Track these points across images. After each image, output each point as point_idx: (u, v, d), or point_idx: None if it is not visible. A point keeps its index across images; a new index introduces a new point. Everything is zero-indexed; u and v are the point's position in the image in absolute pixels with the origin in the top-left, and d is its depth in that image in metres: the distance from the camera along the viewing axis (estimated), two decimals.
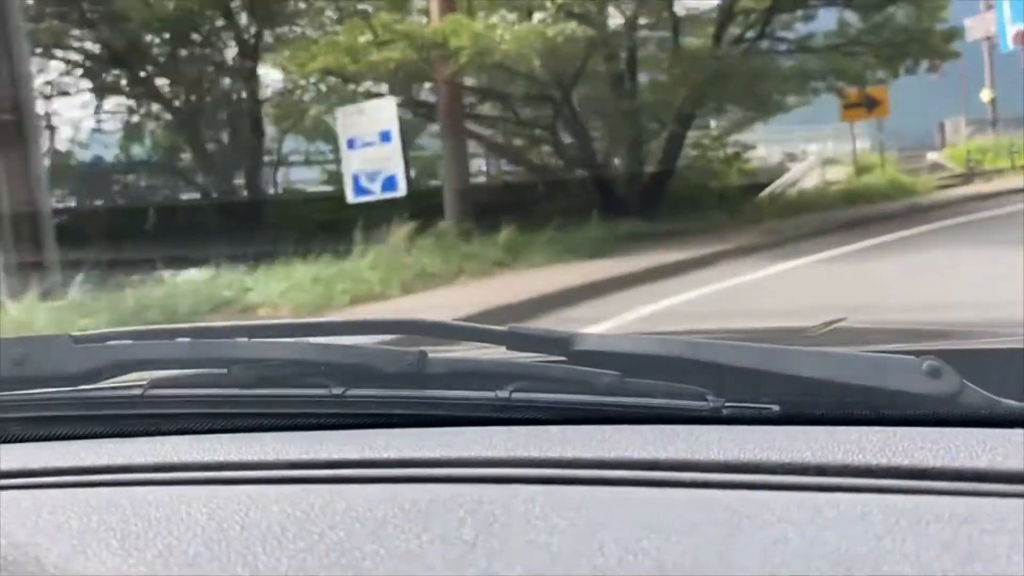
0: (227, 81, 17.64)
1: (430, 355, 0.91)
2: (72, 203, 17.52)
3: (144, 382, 0.98)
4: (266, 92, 17.60)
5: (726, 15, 15.61)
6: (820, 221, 14.52)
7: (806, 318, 1.36)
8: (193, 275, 10.09)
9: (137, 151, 18.49)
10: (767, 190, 19.70)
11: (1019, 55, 24.65)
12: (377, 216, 11.37)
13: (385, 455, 0.80)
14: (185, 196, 17.76)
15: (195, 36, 17.10)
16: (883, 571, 0.58)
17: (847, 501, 0.67)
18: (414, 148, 17.41)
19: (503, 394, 0.87)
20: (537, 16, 13.89)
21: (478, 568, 0.63)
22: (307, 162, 19.81)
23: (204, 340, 0.97)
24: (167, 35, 16.80)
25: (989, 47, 26.37)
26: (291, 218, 15.47)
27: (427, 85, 15.28)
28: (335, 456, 0.82)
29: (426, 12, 14.09)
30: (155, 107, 17.76)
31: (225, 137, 17.80)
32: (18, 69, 9.95)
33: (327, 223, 12.69)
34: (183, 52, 17.05)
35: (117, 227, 14.14)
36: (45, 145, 15.74)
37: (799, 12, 16.35)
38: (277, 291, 9.09)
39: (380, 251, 10.56)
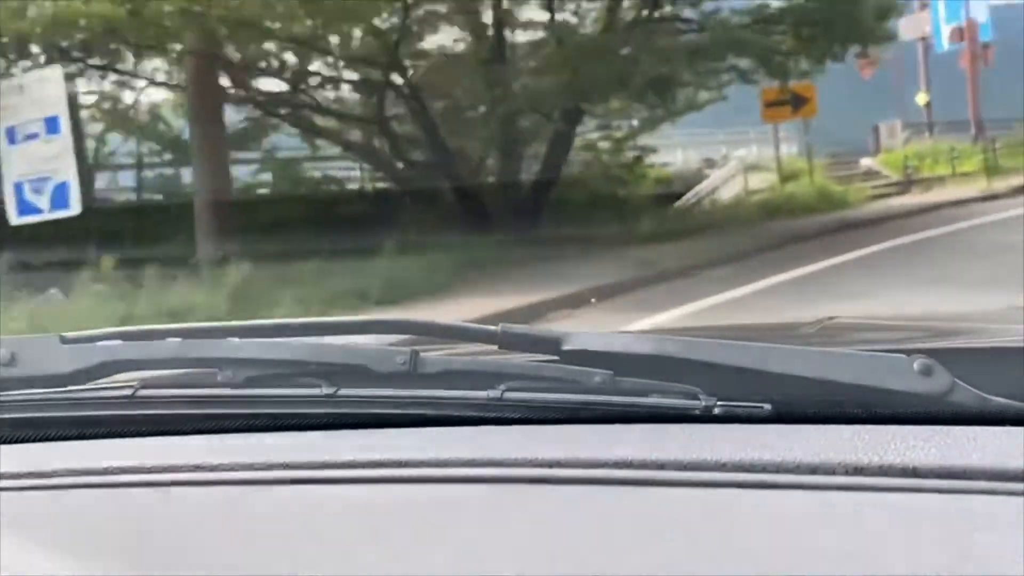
0: None
1: (422, 354, 0.91)
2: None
3: (134, 382, 0.97)
4: None
5: None
6: (722, 244, 11.91)
7: None
8: None
9: None
10: (682, 200, 17.72)
11: (955, 57, 23.83)
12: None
13: (377, 455, 0.80)
14: None
15: None
16: (875, 569, 0.58)
17: (839, 499, 0.68)
18: (261, 149, 14.98)
19: (495, 393, 0.87)
20: None
21: (470, 567, 0.63)
22: None
23: (194, 340, 0.97)
24: None
25: (924, 47, 24.99)
26: None
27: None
28: (326, 456, 0.82)
29: None
30: None
31: None
32: None
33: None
34: None
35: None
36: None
37: None
38: None
39: (26, 305, 8.03)
